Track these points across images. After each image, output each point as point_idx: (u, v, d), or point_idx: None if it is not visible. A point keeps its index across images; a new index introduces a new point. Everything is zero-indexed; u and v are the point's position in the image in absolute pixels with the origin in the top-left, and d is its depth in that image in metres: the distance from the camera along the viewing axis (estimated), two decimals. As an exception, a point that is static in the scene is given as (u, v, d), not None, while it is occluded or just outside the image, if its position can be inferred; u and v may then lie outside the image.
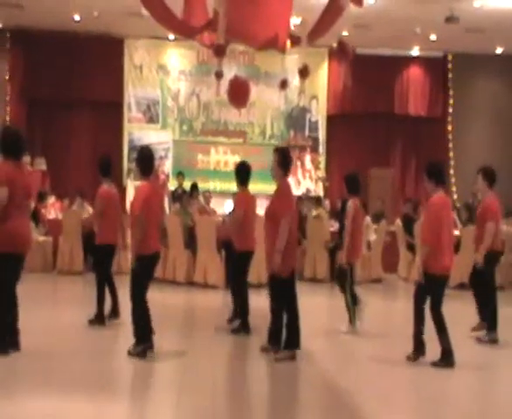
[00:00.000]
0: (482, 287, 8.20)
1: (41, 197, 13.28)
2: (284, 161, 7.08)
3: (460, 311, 9.14)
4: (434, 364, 6.86)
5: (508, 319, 8.66)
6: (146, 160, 7.06)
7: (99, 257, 8.55)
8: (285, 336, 7.03)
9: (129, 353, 6.82)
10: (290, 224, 6.88)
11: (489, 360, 7.60)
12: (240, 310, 8.23)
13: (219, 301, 10.44)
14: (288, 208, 6.95)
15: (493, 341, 8.02)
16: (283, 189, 7.14)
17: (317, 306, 10.43)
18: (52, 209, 13.74)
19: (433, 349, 6.94)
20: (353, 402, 5.86)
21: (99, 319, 8.22)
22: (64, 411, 5.32)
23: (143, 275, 6.89)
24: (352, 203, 8.31)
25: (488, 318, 8.13)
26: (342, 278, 8.36)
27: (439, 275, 6.82)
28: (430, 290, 6.87)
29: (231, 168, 16.83)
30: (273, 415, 5.75)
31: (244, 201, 8.31)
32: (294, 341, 7.00)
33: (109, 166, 8.56)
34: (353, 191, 8.46)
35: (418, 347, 7.02)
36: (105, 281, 8.37)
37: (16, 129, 7.59)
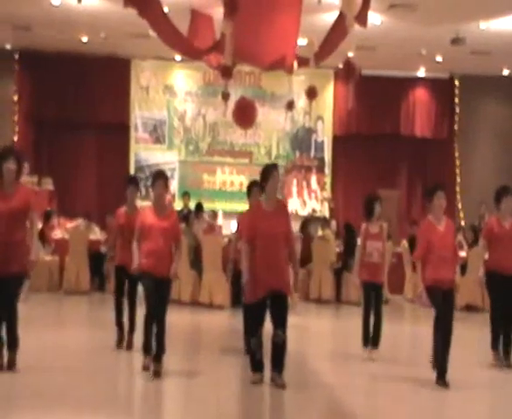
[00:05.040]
0: None
1: (47, 217, 13.30)
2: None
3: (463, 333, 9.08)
4: None
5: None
6: None
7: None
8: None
9: None
10: None
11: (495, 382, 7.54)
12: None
13: (225, 322, 10.40)
14: None
15: None
16: (287, 208, 7.25)
17: (323, 328, 10.38)
18: (59, 229, 13.75)
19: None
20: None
21: None
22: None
23: None
24: (362, 227, 8.47)
25: None
26: None
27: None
28: None
29: (236, 188, 16.94)
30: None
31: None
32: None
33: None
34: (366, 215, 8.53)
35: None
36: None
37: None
